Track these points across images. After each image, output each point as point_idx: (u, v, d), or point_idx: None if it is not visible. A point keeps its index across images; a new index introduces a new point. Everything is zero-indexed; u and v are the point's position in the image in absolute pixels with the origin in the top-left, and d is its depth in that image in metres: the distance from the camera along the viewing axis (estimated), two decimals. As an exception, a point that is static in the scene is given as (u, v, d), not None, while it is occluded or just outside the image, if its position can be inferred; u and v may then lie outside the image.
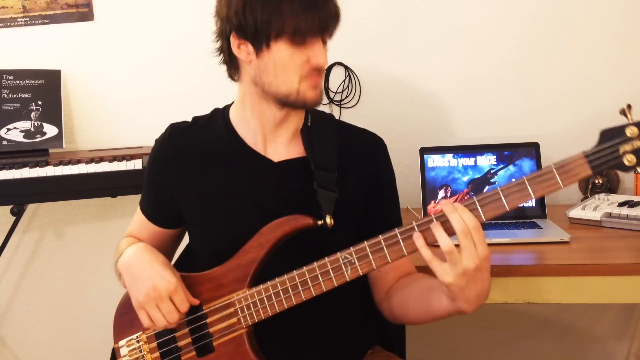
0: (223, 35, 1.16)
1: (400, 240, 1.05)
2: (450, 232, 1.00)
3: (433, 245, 1.02)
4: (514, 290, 1.49)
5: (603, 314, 2.17)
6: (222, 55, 1.20)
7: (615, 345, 2.19)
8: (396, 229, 1.05)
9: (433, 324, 2.14)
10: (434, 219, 1.02)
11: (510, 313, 2.19)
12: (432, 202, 1.84)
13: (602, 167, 0.97)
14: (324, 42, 1.16)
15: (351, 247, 1.08)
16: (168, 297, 1.13)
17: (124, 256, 1.23)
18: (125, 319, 1.25)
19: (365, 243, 1.07)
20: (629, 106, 0.98)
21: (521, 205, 1.78)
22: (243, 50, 1.14)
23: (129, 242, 1.32)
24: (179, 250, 1.43)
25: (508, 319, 2.20)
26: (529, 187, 0.99)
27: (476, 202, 1.01)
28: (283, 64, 1.11)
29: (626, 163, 0.96)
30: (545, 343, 2.22)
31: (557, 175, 0.98)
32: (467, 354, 2.27)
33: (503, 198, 1.00)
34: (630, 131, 0.96)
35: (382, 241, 1.06)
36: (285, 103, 1.16)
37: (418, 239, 1.01)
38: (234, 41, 1.14)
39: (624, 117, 0.98)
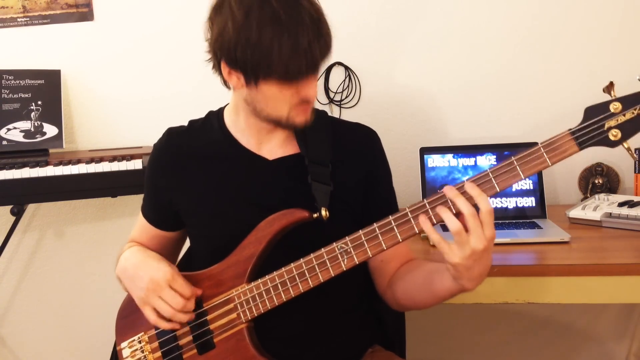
0: (215, 56, 1.15)
1: (395, 227, 1.06)
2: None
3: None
4: (514, 290, 1.49)
5: (603, 314, 2.17)
6: (214, 67, 1.19)
7: (615, 345, 2.19)
8: (390, 217, 1.07)
9: (433, 324, 2.16)
10: (427, 204, 1.03)
11: (510, 313, 2.19)
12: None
13: (588, 143, 0.99)
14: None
15: (347, 237, 1.09)
16: (167, 285, 1.15)
17: (119, 264, 1.26)
18: (127, 320, 1.26)
19: (361, 232, 1.08)
20: (611, 83, 1.00)
21: (521, 205, 1.81)
22: (233, 77, 1.13)
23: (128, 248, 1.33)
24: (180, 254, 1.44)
25: (508, 319, 2.20)
26: (517, 167, 1.01)
27: (445, 195, 1.02)
28: (272, 97, 1.12)
29: (612, 138, 0.98)
30: (545, 343, 2.22)
31: (544, 154, 1.00)
32: (467, 354, 2.27)
33: (493, 179, 1.02)
34: (614, 106, 0.98)
35: (376, 229, 1.07)
36: (276, 125, 1.19)
37: (425, 222, 1.02)
38: (224, 67, 1.13)
39: (607, 94, 1.00)
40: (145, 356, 1.23)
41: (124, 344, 1.26)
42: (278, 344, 1.21)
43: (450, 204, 1.02)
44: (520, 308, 2.16)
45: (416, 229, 1.06)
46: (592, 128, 0.99)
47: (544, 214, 1.79)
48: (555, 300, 1.50)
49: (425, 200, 1.04)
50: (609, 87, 1.00)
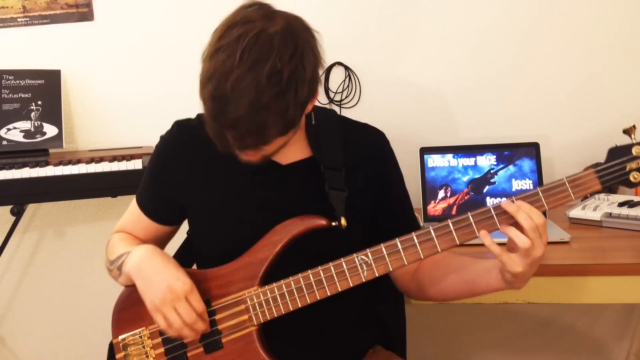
0: None
1: (417, 244, 1.08)
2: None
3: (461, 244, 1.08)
4: (514, 291, 1.48)
5: (603, 314, 2.17)
6: None
7: (615, 345, 2.20)
8: (413, 233, 1.08)
9: (434, 324, 2.16)
10: (450, 223, 1.07)
11: (510, 313, 2.19)
12: (432, 202, 1.84)
13: (610, 182, 1.06)
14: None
15: (367, 249, 1.10)
16: (184, 297, 1.12)
17: (132, 259, 1.20)
18: (126, 314, 1.24)
19: (382, 245, 1.09)
20: (633, 126, 1.06)
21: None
22: None
23: (123, 240, 1.30)
24: (174, 247, 1.43)
25: (508, 319, 2.20)
26: (542, 199, 1.06)
27: (491, 210, 1.06)
28: None
29: (632, 180, 1.05)
30: (545, 343, 2.22)
31: (569, 189, 1.05)
32: (467, 354, 2.27)
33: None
34: (636, 150, 1.04)
35: (398, 244, 1.09)
36: None
37: (485, 237, 1.05)
38: None
39: (627, 136, 1.07)
40: (146, 352, 1.22)
41: (122, 337, 1.24)
42: (281, 344, 1.20)
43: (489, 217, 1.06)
44: (520, 308, 2.16)
45: (439, 248, 1.08)
46: (615, 169, 1.05)
47: (544, 214, 1.79)
48: (555, 300, 1.50)
49: (449, 220, 1.08)
50: (630, 130, 1.06)
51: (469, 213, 1.07)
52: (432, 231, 1.08)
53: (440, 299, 1.26)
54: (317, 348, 1.23)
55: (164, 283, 1.13)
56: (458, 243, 1.08)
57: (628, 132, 1.06)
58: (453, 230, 1.07)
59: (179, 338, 1.18)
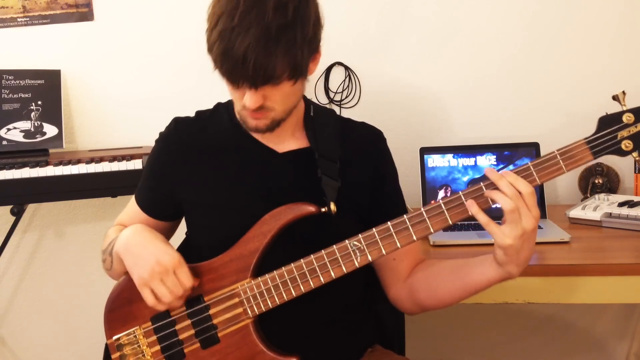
0: None
1: (410, 227, 1.07)
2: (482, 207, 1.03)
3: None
4: (514, 290, 1.49)
5: (603, 314, 2.17)
6: None
7: (615, 345, 2.20)
8: (405, 216, 1.08)
9: (433, 324, 2.16)
10: (441, 203, 1.06)
11: (510, 313, 2.19)
12: (432, 202, 1.83)
13: (602, 152, 1.02)
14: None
15: (359, 235, 1.09)
16: (172, 270, 1.12)
17: (120, 239, 1.21)
18: (117, 314, 1.23)
19: (374, 230, 1.09)
20: (622, 92, 1.03)
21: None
22: None
23: (116, 230, 1.31)
24: (174, 246, 1.42)
25: (508, 319, 2.20)
26: (534, 173, 1.03)
27: (483, 188, 1.04)
28: (229, 91, 1.14)
29: (624, 148, 1.02)
30: (545, 343, 2.22)
31: (560, 161, 1.02)
32: (467, 354, 2.27)
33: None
34: (627, 117, 1.01)
35: (390, 227, 1.08)
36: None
37: (472, 206, 1.03)
38: None
39: (617, 102, 1.03)
40: (142, 350, 1.21)
41: (115, 337, 1.23)
42: (278, 342, 1.20)
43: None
44: (520, 308, 2.16)
45: (431, 229, 1.07)
46: (607, 138, 1.02)
47: (544, 214, 1.79)
48: (555, 300, 1.50)
49: (440, 200, 1.06)
50: (619, 97, 1.02)
51: (460, 192, 1.05)
52: (423, 212, 1.06)
53: (431, 302, 1.23)
54: (315, 347, 1.23)
55: (153, 257, 1.13)
56: (451, 223, 1.05)
57: (617, 98, 1.03)
58: (445, 210, 1.05)
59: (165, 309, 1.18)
